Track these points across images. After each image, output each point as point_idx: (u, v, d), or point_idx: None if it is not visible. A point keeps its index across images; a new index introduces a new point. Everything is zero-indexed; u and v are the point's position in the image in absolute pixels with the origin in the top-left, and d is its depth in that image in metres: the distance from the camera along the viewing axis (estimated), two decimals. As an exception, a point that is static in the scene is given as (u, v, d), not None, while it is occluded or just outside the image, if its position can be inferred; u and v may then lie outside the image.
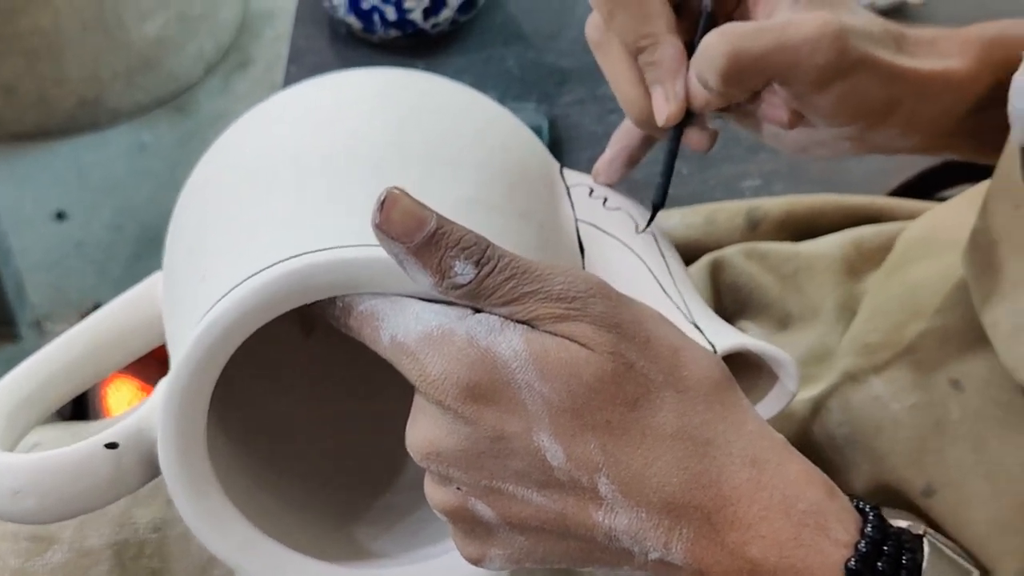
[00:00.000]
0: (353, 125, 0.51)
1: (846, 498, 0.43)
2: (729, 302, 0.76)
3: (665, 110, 0.56)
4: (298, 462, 0.58)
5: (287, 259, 0.44)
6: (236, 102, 2.11)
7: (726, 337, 0.48)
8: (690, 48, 0.55)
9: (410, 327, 0.42)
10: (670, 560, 0.42)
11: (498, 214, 0.49)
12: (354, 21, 1.12)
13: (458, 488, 0.43)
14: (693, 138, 0.58)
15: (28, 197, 1.95)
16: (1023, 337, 0.56)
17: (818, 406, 0.64)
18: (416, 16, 1.11)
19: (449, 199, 0.48)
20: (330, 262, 0.43)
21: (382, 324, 0.43)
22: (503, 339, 0.41)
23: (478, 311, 0.42)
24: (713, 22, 0.55)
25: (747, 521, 0.41)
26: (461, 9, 1.13)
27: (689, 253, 0.81)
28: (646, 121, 0.57)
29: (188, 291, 0.50)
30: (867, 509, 0.42)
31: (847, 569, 0.41)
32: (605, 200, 0.56)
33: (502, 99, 1.10)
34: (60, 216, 1.94)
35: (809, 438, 0.64)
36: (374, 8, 1.10)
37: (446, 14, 1.12)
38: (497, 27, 1.19)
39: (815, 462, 0.64)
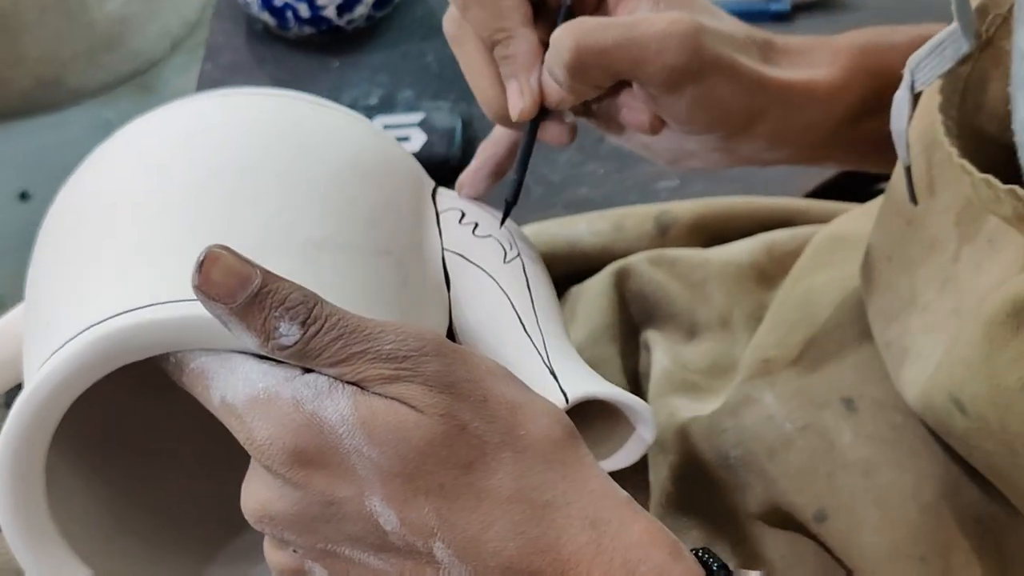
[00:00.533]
0: (205, 161, 0.49)
1: (692, 558, 0.41)
2: (635, 311, 0.74)
3: (519, 104, 0.55)
4: (161, 498, 0.56)
5: (111, 317, 0.42)
6: (203, 78, 2.09)
7: (580, 385, 0.46)
8: (548, 44, 0.54)
9: (238, 388, 0.41)
10: None
11: (352, 252, 0.47)
12: (268, 18, 1.10)
13: (294, 550, 0.42)
14: (551, 132, 0.57)
15: (-10, 178, 1.91)
16: (913, 360, 0.55)
17: (714, 425, 0.62)
18: (330, 13, 1.08)
19: (297, 240, 0.46)
20: (151, 322, 0.42)
21: (212, 384, 0.41)
22: (330, 403, 0.39)
23: (309, 371, 0.40)
24: (571, 18, 0.54)
25: None
26: (377, 5, 1.10)
27: (597, 260, 0.79)
28: (502, 116, 0.56)
29: (36, 333, 0.48)
30: (715, 567, 0.41)
31: None
32: (476, 226, 0.54)
33: (419, 97, 1.08)
34: (23, 196, 1.89)
35: (703, 458, 0.63)
36: (287, 5, 1.07)
37: (361, 10, 1.09)
38: (417, 21, 1.15)
39: (710, 483, 0.63)
